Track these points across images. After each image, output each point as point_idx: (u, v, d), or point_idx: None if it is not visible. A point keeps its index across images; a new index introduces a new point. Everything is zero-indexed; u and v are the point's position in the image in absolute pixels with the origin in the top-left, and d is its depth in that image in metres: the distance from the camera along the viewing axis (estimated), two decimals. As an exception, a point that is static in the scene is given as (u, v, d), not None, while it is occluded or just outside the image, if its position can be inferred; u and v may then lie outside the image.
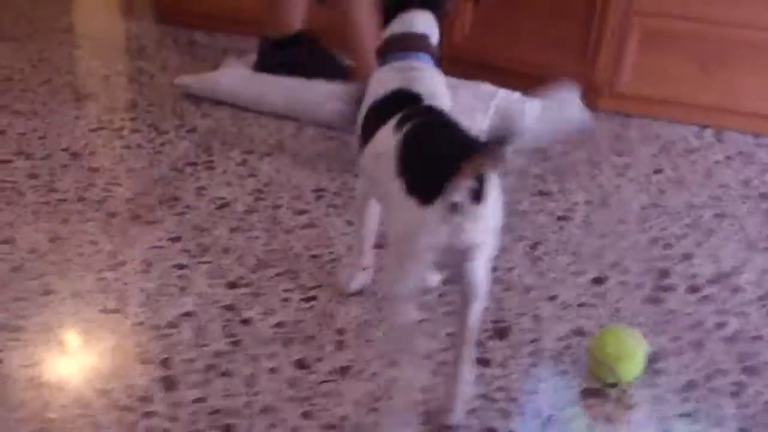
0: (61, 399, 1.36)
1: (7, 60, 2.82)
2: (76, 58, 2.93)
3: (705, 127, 2.61)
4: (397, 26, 1.48)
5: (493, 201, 1.16)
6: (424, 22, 1.48)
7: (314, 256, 1.77)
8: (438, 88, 1.42)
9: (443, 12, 1.53)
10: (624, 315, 1.63)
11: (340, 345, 1.50)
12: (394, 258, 1.24)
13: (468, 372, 1.30)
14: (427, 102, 1.36)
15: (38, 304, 1.59)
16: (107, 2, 3.75)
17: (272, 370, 1.43)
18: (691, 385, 1.45)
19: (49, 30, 3.19)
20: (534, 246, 1.85)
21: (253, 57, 2.71)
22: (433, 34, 1.49)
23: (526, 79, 2.64)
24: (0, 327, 1.52)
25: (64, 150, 2.20)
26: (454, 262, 1.21)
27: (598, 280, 1.74)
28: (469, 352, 1.28)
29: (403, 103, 1.35)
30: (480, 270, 1.23)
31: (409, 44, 1.46)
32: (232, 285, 1.66)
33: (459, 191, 1.10)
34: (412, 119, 1.27)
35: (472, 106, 2.39)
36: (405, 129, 1.25)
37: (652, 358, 1.48)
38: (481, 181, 1.11)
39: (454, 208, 1.11)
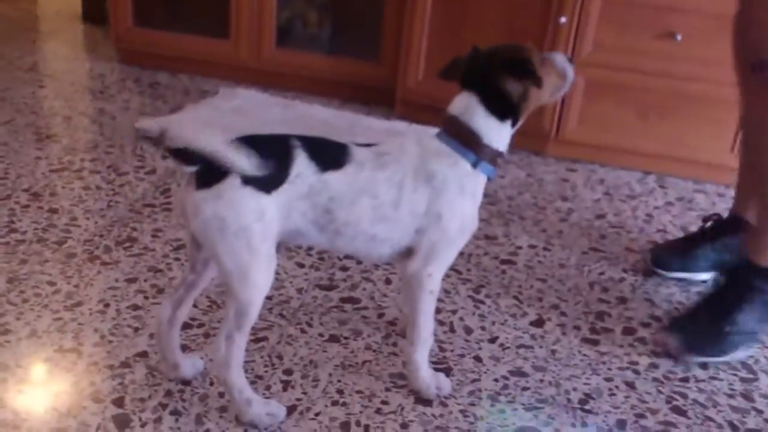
0: (15, 438, 1.40)
1: (-30, 98, 2.86)
2: (39, 97, 2.98)
3: (648, 173, 2.75)
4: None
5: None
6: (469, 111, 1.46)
7: (266, 297, 1.84)
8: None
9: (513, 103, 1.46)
10: (560, 356, 1.72)
11: (287, 385, 1.57)
12: None
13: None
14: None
15: (-6, 344, 1.63)
16: (72, 42, 3.82)
17: (221, 409, 1.49)
18: (620, 425, 1.54)
19: (12, 68, 3.24)
20: (477, 289, 1.95)
21: (214, 101, 2.79)
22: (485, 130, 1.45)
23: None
24: (-44, 367, 1.56)
25: (24, 190, 2.25)
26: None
27: (537, 322, 1.84)
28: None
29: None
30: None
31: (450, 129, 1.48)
32: (186, 326, 1.72)
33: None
34: None
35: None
36: None
37: (584, 399, 1.58)
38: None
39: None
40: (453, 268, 2.02)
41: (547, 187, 2.54)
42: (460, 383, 1.62)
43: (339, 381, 1.59)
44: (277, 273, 1.93)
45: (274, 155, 1.33)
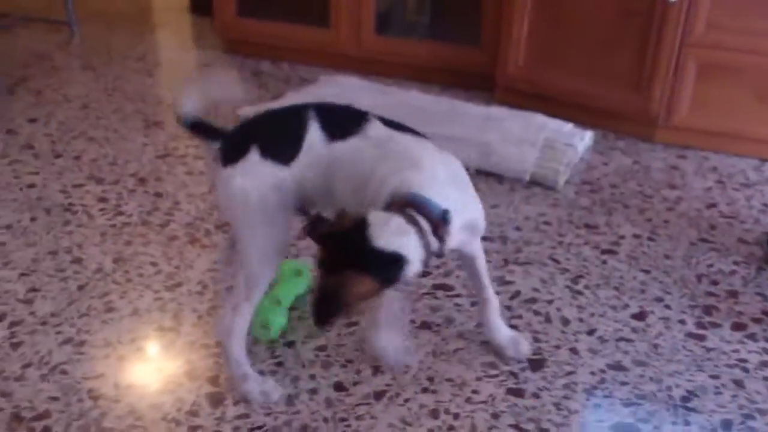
0: (117, 410, 1.46)
1: (85, 88, 3.00)
2: (147, 86, 3.09)
3: (765, 160, 2.58)
4: None
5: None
6: None
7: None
8: None
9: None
10: (663, 351, 1.64)
11: (376, 370, 1.56)
12: None
13: None
14: None
15: (101, 320, 1.71)
16: (179, 32, 3.95)
17: (312, 391, 1.50)
18: (726, 425, 1.45)
19: (124, 59, 3.38)
20: (575, 279, 1.88)
21: (313, 89, 2.82)
22: None
23: (580, 111, 2.68)
24: (66, 341, 1.64)
25: (131, 175, 2.34)
26: None
27: (639, 315, 1.75)
28: None
29: None
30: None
31: None
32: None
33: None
34: None
35: (521, 137, 2.43)
36: None
37: (686, 397, 1.50)
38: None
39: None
40: (551, 257, 1.95)
41: (654, 175, 2.42)
42: (555, 375, 1.56)
43: (429, 368, 1.57)
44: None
45: (289, 128, 1.42)
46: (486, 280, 1.56)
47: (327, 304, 1.21)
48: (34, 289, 1.81)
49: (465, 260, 1.55)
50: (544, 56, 2.74)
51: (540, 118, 2.56)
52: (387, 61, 3.15)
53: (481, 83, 3.00)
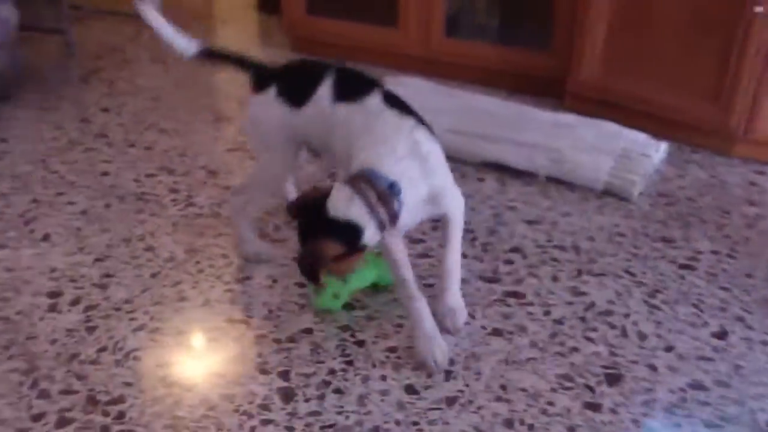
0: (189, 399, 1.46)
1: (156, 81, 3.04)
2: (216, 81, 3.12)
3: None
4: None
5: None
6: None
7: (428, 285, 1.81)
8: None
9: None
10: (746, 372, 1.58)
11: (448, 375, 1.54)
12: None
13: None
14: None
15: (173, 309, 1.71)
16: (247, 30, 3.98)
17: (383, 393, 1.48)
18: (814, 453, 1.38)
19: (194, 53, 3.42)
20: (653, 293, 1.82)
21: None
22: None
23: (653, 121, 2.62)
24: (140, 327, 1.65)
25: (202, 167, 2.35)
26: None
27: (719, 334, 1.69)
28: None
29: None
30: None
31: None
32: (349, 306, 1.73)
33: None
34: None
35: (594, 145, 2.38)
36: None
37: (773, 420, 1.44)
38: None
39: None
40: (626, 270, 1.90)
41: (732, 190, 2.35)
42: (633, 391, 1.52)
43: (502, 376, 1.54)
44: (438, 261, 1.90)
45: (307, 79, 1.67)
46: (451, 246, 1.63)
47: (309, 266, 1.42)
48: (108, 275, 1.83)
49: (442, 224, 1.64)
50: (618, 63, 2.67)
51: (613, 127, 2.50)
52: (454, 64, 3.12)
53: (550, 89, 2.94)
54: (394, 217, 1.43)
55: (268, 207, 2.13)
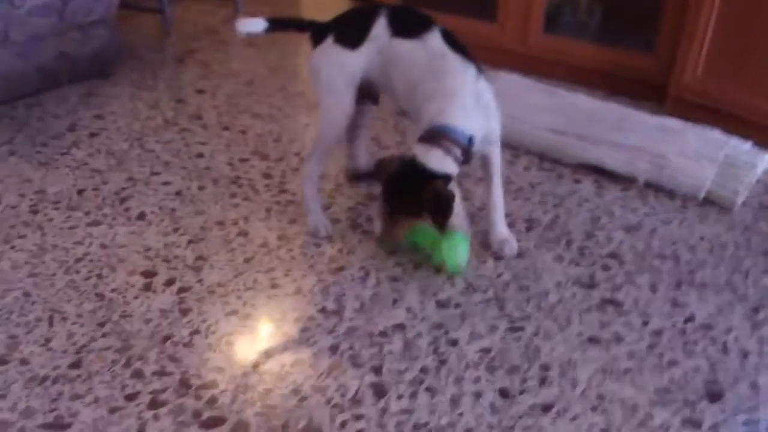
0: (281, 388, 1.47)
1: (250, 65, 3.08)
2: (308, 68, 3.12)
3: None
4: None
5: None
6: None
7: (522, 287, 1.78)
8: None
9: None
10: None
11: (543, 381, 1.50)
12: None
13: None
14: None
15: (266, 295, 1.73)
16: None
17: (476, 395, 1.46)
18: None
19: (285, 42, 3.44)
20: (756, 309, 1.74)
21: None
22: None
23: (758, 129, 2.50)
24: (233, 312, 1.67)
25: (295, 154, 2.37)
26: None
27: (829, 357, 1.61)
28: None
29: None
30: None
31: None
32: (442, 304, 1.71)
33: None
34: None
35: (699, 151, 2.29)
36: None
37: None
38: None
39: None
40: (727, 283, 1.82)
41: (841, 206, 2.23)
42: (735, 410, 1.45)
43: (599, 386, 1.50)
44: (534, 264, 1.86)
45: (361, 20, 1.78)
46: (495, 182, 1.85)
47: (445, 200, 1.63)
48: (202, 258, 1.86)
49: (483, 162, 1.84)
50: (725, 68, 2.56)
51: (717, 134, 2.40)
52: (551, 61, 3.05)
53: (650, 92, 2.85)
54: (468, 161, 1.68)
55: (361, 196, 2.12)
